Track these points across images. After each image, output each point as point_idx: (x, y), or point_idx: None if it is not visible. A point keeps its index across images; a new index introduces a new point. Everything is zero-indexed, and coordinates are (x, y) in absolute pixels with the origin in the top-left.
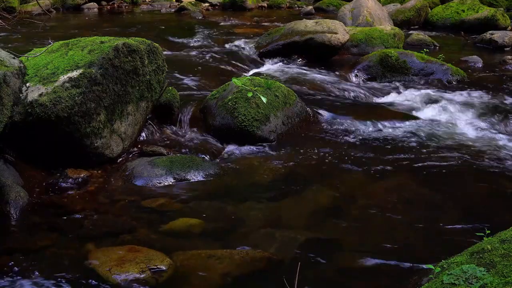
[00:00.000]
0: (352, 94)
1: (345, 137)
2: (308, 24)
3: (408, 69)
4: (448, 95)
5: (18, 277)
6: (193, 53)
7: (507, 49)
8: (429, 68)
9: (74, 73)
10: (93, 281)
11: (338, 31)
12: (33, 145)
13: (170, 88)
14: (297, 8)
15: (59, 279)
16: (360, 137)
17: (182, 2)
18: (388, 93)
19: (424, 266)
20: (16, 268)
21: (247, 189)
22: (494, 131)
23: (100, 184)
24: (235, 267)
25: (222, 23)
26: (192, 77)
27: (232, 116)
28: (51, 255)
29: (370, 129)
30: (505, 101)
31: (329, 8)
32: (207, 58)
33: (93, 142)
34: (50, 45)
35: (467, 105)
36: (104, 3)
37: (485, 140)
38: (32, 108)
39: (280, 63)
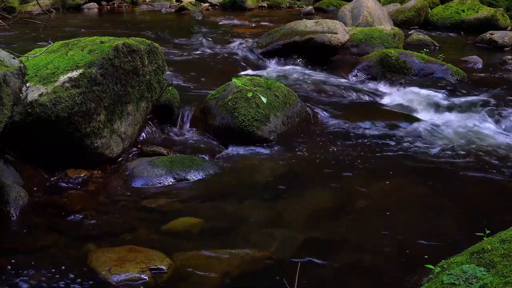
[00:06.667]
0: (352, 94)
1: (345, 137)
2: (308, 24)
3: (408, 69)
4: (447, 95)
5: (18, 277)
6: (193, 53)
7: (507, 49)
8: (429, 68)
9: (74, 73)
10: (93, 281)
11: (338, 31)
12: (33, 145)
13: (170, 88)
14: (297, 8)
15: (59, 279)
16: (360, 137)
17: (182, 2)
18: (388, 93)
19: (424, 266)
20: (16, 268)
21: (247, 189)
22: (494, 131)
23: (100, 184)
24: (235, 267)
25: (222, 23)
26: (192, 77)
27: (232, 116)
28: (51, 255)
29: (370, 129)
30: (505, 101)
31: (329, 8)
32: (207, 58)
33: (93, 142)
34: (50, 45)
35: (467, 105)
36: (104, 3)
37: (485, 140)
38: (32, 108)
39: (280, 63)
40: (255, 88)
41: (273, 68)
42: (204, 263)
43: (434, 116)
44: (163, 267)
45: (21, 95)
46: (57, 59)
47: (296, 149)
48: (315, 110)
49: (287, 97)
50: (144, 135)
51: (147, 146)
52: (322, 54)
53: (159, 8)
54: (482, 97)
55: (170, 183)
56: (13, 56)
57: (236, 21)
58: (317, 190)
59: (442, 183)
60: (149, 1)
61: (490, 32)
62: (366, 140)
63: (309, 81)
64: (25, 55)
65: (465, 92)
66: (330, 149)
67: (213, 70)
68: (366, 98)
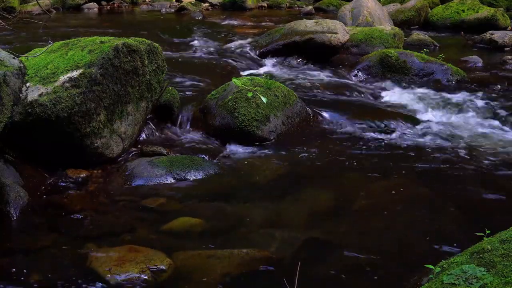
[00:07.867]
0: (352, 94)
1: (345, 137)
2: (308, 24)
3: (408, 69)
4: (448, 95)
5: (18, 277)
6: (193, 53)
7: (507, 49)
8: (429, 68)
9: (74, 73)
10: (93, 281)
11: (338, 31)
12: (33, 145)
13: (170, 88)
14: (297, 8)
15: (59, 279)
16: (360, 137)
17: (182, 2)
18: (388, 93)
19: (424, 266)
20: (16, 268)
21: (247, 189)
22: (493, 131)
23: (100, 184)
24: (235, 267)
25: (222, 23)
26: (192, 77)
27: (232, 116)
28: (51, 255)
29: (370, 129)
30: (505, 101)
31: (329, 8)
32: (207, 58)
33: (93, 142)
34: (50, 45)
35: (467, 105)
36: (104, 3)
37: (485, 140)
38: (32, 108)
39: (280, 63)
40: (255, 88)
41: (273, 68)
42: (204, 263)
43: (434, 116)
44: (163, 267)
45: (21, 95)
46: (57, 59)
47: (296, 149)
48: (315, 110)
49: (287, 97)
50: (144, 135)
51: (147, 146)
52: (322, 54)
53: (159, 8)
54: (482, 97)
55: (170, 183)
56: (13, 56)
57: (236, 21)
58: (317, 190)
59: (442, 183)
60: (149, 1)
61: (490, 32)
62: (366, 140)
63: (309, 81)
64: (25, 55)
65: (465, 92)
66: (330, 149)
67: (213, 70)
68: (366, 98)
